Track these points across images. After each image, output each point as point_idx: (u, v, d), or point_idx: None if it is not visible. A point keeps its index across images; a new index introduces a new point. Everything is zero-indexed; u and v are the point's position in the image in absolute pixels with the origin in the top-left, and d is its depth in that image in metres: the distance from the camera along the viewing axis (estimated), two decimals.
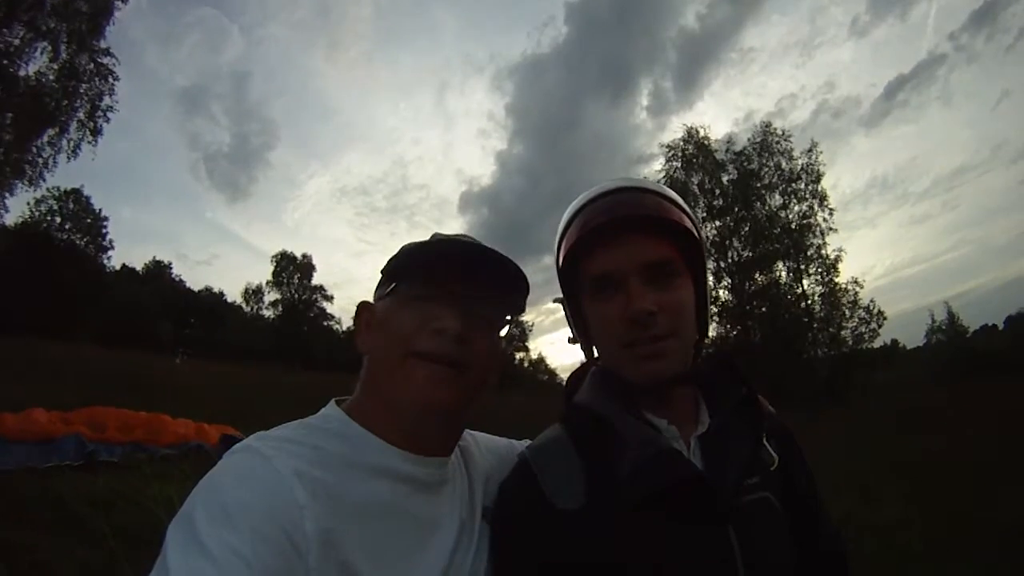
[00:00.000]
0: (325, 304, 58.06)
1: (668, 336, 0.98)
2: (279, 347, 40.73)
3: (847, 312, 28.33)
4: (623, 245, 1.00)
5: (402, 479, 0.92)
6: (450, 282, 0.97)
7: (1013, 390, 17.06)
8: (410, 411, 0.94)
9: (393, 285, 0.99)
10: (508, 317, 1.06)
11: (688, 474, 0.93)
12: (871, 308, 28.43)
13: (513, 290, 1.03)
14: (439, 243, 1.01)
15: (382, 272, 1.02)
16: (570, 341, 1.17)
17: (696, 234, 1.05)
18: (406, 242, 1.05)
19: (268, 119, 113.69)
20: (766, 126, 30.11)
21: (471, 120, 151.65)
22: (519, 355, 57.19)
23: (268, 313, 55.00)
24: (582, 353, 1.16)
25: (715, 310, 29.29)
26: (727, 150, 30.11)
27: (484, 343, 0.99)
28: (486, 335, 1.00)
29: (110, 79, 18.25)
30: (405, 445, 0.94)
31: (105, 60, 18.07)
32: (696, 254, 1.05)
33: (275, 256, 56.35)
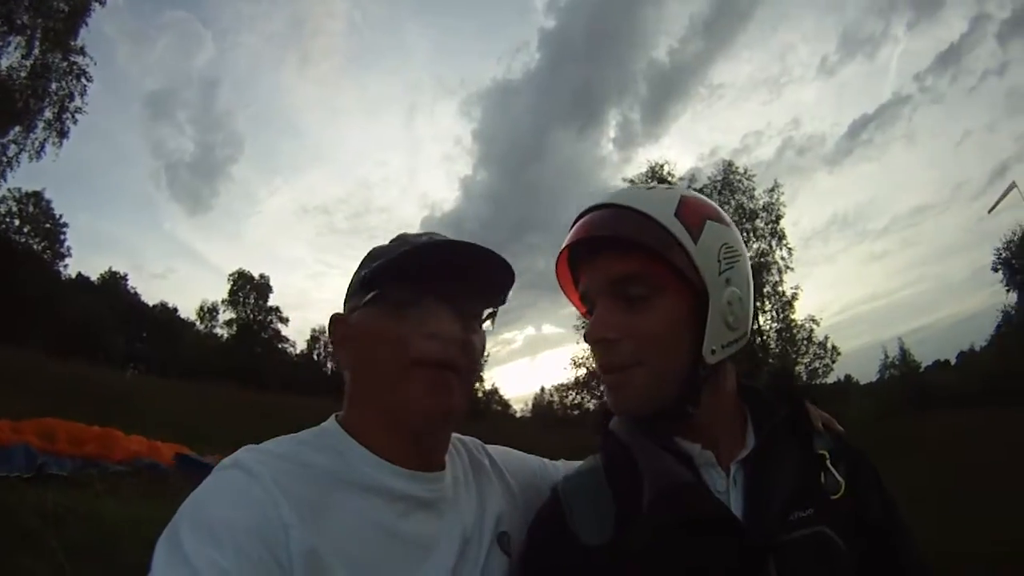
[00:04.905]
0: (280, 326, 56.96)
1: (631, 365, 0.91)
2: (232, 367, 40.07)
3: (802, 348, 28.92)
4: (594, 264, 0.96)
5: (396, 496, 0.89)
6: (439, 283, 0.93)
7: (962, 420, 17.80)
8: (415, 422, 0.92)
9: (374, 293, 0.94)
10: (492, 309, 1.03)
11: (706, 509, 0.86)
12: (825, 344, 29.09)
13: (500, 282, 1.00)
14: (424, 246, 0.93)
15: (359, 281, 0.97)
16: None
17: (683, 246, 0.91)
18: (372, 248, 1.03)
19: (233, 131, 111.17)
20: (728, 164, 30.80)
21: (437, 144, 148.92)
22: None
23: (222, 332, 53.88)
24: None
25: None
26: (688, 187, 29.70)
27: (477, 341, 0.97)
28: (478, 332, 0.99)
29: (82, 79, 17.87)
30: (401, 461, 0.92)
31: (79, 59, 17.71)
32: (686, 268, 0.91)
33: (232, 275, 55.23)
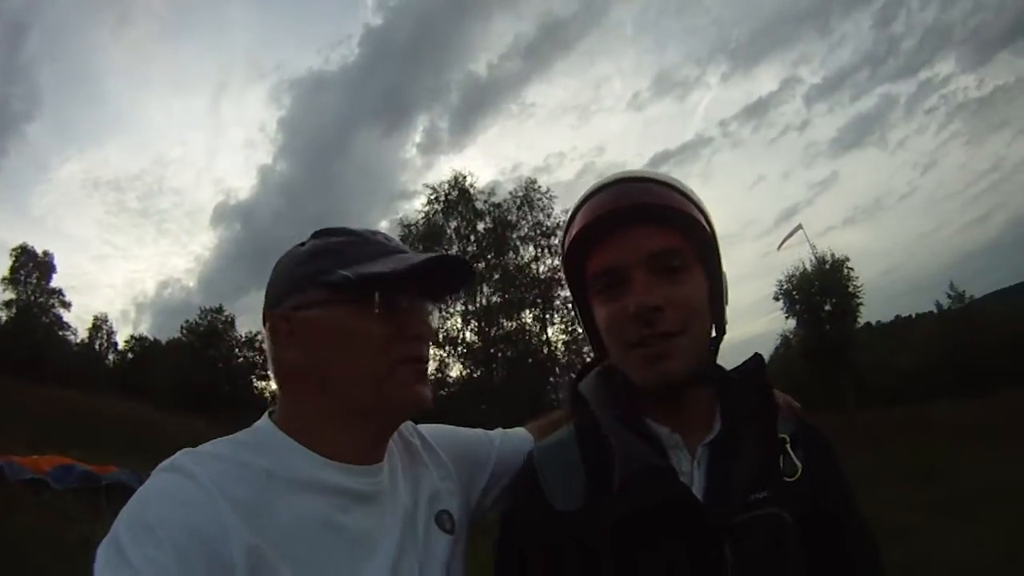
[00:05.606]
0: (62, 311, 51.06)
1: (678, 333, 0.93)
2: (8, 355, 36.21)
3: (588, 359, 30.41)
4: (626, 236, 0.96)
5: (335, 492, 0.89)
6: (423, 294, 0.99)
7: None
8: (397, 412, 0.97)
9: (355, 293, 0.92)
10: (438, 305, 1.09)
11: (672, 493, 0.89)
12: None
13: (460, 287, 1.10)
14: (427, 263, 0.94)
15: (325, 279, 0.93)
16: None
17: (707, 224, 1.00)
18: (329, 243, 0.99)
19: (35, 84, 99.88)
20: (531, 182, 31.82)
21: (241, 129, 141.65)
22: None
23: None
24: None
25: (463, 351, 30.53)
26: (487, 200, 31.18)
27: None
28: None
29: None
30: (341, 456, 0.92)
31: None
32: (708, 244, 1.00)
33: (15, 250, 49.33)
